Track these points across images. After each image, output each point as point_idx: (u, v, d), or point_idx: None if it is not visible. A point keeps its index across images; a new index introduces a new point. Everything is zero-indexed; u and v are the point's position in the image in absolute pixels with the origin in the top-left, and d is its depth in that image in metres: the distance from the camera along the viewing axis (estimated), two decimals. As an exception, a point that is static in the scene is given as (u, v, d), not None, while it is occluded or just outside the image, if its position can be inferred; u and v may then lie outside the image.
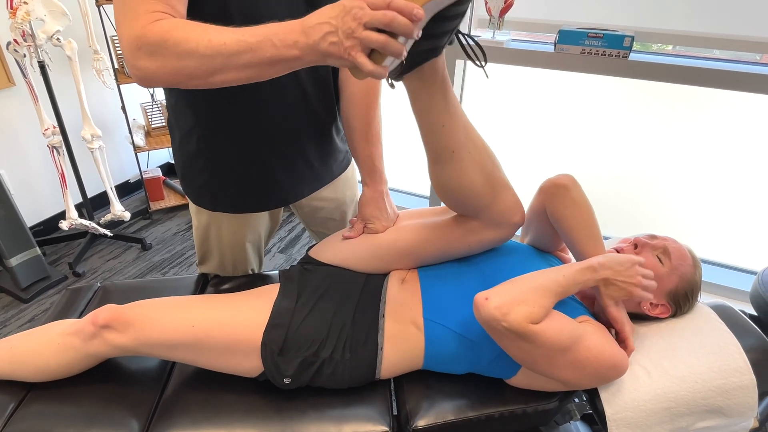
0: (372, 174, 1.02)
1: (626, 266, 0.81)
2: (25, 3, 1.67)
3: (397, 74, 0.72)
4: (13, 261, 1.83)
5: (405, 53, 0.59)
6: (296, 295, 0.90)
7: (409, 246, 0.95)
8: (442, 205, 0.98)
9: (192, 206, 1.05)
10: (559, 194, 0.89)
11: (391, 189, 1.07)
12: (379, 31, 0.56)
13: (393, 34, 0.57)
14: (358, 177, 1.21)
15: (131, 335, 0.84)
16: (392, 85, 0.75)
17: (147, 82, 0.66)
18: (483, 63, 0.74)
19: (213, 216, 1.03)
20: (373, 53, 0.59)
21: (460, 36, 0.73)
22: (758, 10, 1.45)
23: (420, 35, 0.60)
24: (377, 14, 0.55)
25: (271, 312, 0.87)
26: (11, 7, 1.69)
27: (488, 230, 0.88)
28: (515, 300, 0.73)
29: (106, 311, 0.85)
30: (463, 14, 0.66)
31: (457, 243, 0.91)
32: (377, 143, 1.02)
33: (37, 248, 1.89)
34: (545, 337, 0.72)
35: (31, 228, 2.15)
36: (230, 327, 0.85)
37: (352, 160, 1.16)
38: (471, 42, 0.74)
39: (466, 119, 0.80)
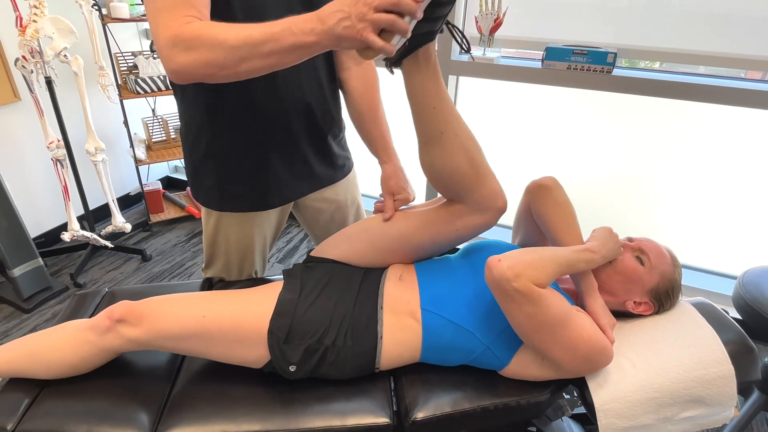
0: (387, 150, 1.12)
1: (612, 245, 0.94)
2: (35, 21, 1.74)
3: (397, 59, 0.82)
4: (16, 271, 1.86)
5: (410, 32, 0.68)
6: (299, 288, 0.96)
7: (402, 232, 1.00)
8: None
9: (203, 209, 1.10)
10: (542, 194, 0.96)
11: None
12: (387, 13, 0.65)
13: (399, 16, 0.66)
14: (359, 185, 1.28)
15: (145, 328, 0.88)
16: (392, 71, 0.85)
17: (182, 75, 0.74)
18: (467, 48, 0.86)
19: (221, 218, 1.08)
20: (382, 33, 0.68)
21: (449, 26, 0.84)
22: (742, 29, 1.54)
23: (422, 16, 0.69)
24: (384, 0, 0.63)
25: (276, 303, 0.92)
26: (21, 25, 1.76)
27: (474, 215, 0.94)
28: (526, 263, 0.78)
29: (121, 306, 0.90)
30: (453, 1, 0.76)
31: (446, 227, 0.96)
32: (385, 124, 1.13)
33: (40, 259, 1.92)
34: (549, 303, 0.78)
35: (33, 240, 2.18)
36: (239, 317, 0.89)
37: (353, 167, 1.23)
38: (457, 30, 0.86)
39: (453, 107, 0.88)
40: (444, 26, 0.81)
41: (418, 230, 0.99)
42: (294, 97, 0.99)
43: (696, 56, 1.62)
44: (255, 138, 0.99)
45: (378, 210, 1.09)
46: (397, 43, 0.70)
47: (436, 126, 0.87)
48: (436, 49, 0.88)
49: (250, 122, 0.97)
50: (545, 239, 1.05)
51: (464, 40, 0.86)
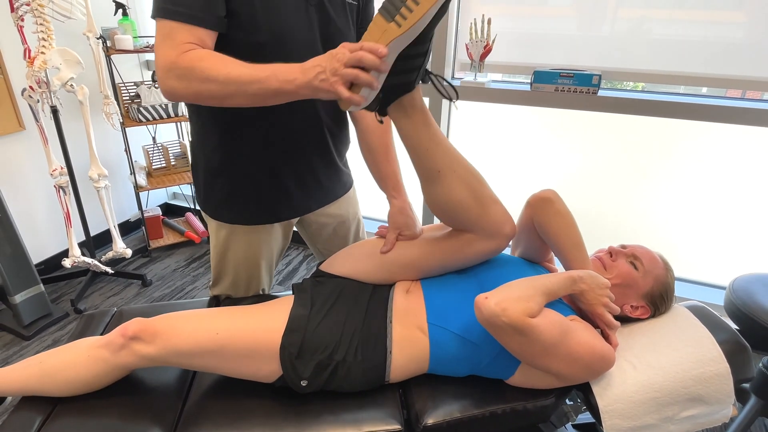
0: (397, 187, 1.15)
1: (601, 287, 0.92)
2: (43, 53, 1.80)
3: (378, 107, 0.87)
4: (17, 298, 1.85)
5: (376, 83, 0.74)
6: (310, 304, 0.98)
7: (413, 259, 1.03)
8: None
9: (212, 225, 1.13)
10: (544, 207, 1.00)
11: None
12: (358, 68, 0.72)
13: (365, 70, 0.73)
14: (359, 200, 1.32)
15: (159, 345, 0.90)
16: (380, 121, 0.91)
17: (173, 98, 0.83)
18: (453, 99, 0.90)
19: (232, 232, 1.11)
20: (353, 86, 0.75)
21: (432, 76, 0.88)
22: (720, 52, 1.64)
23: (388, 69, 0.76)
24: (351, 55, 0.71)
25: (288, 318, 0.94)
26: (29, 57, 1.82)
27: (483, 242, 0.97)
28: (512, 297, 0.82)
29: (135, 323, 0.91)
30: (425, 54, 0.81)
31: (456, 255, 1.00)
32: (396, 161, 1.17)
33: (41, 285, 1.93)
34: (540, 330, 0.80)
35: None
36: (252, 332, 0.91)
37: (354, 183, 1.28)
38: (442, 81, 0.90)
39: (448, 143, 0.93)
40: (428, 76, 0.86)
41: (429, 257, 1.02)
42: (309, 115, 1.04)
43: (677, 77, 1.71)
44: (270, 153, 1.04)
45: (380, 235, 1.11)
46: (368, 95, 0.77)
47: (432, 166, 0.91)
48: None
49: (266, 138, 1.02)
50: (546, 250, 1.09)
51: (448, 90, 0.89)
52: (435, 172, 0.91)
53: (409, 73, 0.82)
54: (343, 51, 0.72)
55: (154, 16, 0.84)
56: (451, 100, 0.89)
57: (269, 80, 0.77)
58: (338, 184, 1.20)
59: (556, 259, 1.12)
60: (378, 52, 0.71)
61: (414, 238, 1.07)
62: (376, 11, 0.77)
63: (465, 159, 0.94)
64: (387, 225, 1.13)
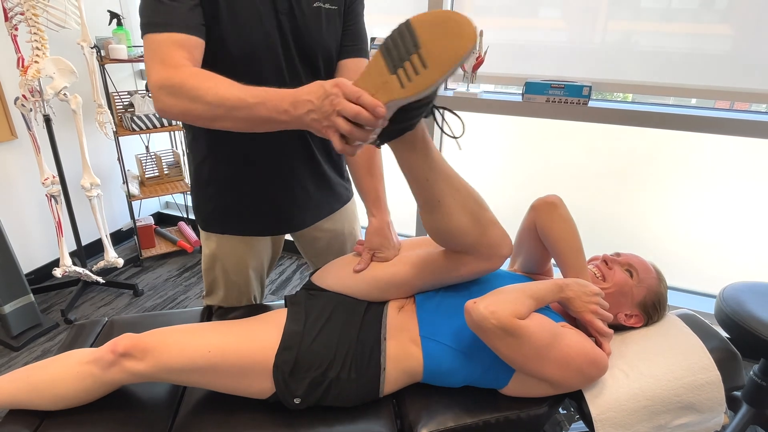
0: (377, 205, 1.10)
1: (588, 294, 0.92)
2: (36, 62, 1.80)
3: (378, 144, 0.79)
4: (7, 308, 1.83)
5: (372, 137, 0.69)
6: (303, 320, 0.97)
7: (407, 278, 1.01)
8: None
9: (202, 235, 1.13)
10: (548, 210, 1.01)
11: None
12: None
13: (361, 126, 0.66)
14: (358, 213, 1.31)
15: (150, 362, 0.88)
16: (378, 146, 0.82)
17: (164, 114, 0.82)
18: (457, 136, 0.81)
19: (220, 242, 1.11)
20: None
21: (435, 111, 0.79)
22: (708, 63, 1.67)
23: (386, 124, 0.69)
24: (347, 106, 0.65)
25: (282, 335, 0.93)
26: (22, 66, 1.81)
27: (479, 262, 0.94)
28: (500, 300, 0.83)
29: (126, 339, 0.89)
30: (428, 104, 0.74)
31: (451, 274, 0.98)
32: (380, 178, 1.12)
33: (31, 295, 1.90)
34: (530, 331, 0.81)
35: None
36: (244, 350, 0.90)
37: (352, 197, 1.25)
38: (445, 115, 0.81)
39: (449, 170, 0.88)
40: (432, 111, 0.78)
41: (422, 275, 1.00)
42: (295, 129, 1.03)
43: (666, 88, 1.73)
44: (256, 167, 1.03)
45: (357, 252, 1.09)
46: (363, 143, 0.70)
47: (432, 195, 0.87)
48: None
49: (252, 152, 1.02)
50: (546, 260, 1.10)
51: (451, 129, 0.80)
52: (435, 201, 0.87)
53: (410, 121, 0.75)
54: (337, 94, 0.65)
55: (142, 35, 0.83)
56: (455, 137, 0.81)
57: (258, 108, 0.73)
58: (332, 198, 1.18)
59: (556, 274, 1.12)
60: (376, 111, 0.64)
61: (387, 260, 1.05)
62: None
63: (465, 182, 0.90)
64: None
